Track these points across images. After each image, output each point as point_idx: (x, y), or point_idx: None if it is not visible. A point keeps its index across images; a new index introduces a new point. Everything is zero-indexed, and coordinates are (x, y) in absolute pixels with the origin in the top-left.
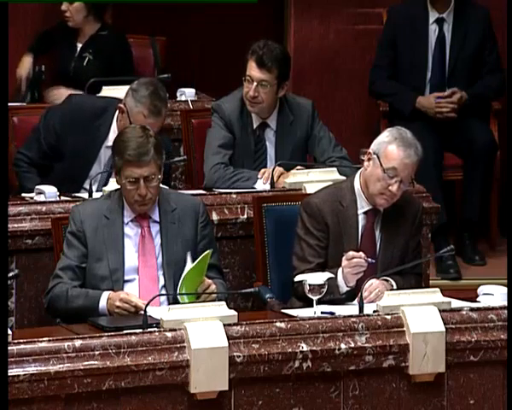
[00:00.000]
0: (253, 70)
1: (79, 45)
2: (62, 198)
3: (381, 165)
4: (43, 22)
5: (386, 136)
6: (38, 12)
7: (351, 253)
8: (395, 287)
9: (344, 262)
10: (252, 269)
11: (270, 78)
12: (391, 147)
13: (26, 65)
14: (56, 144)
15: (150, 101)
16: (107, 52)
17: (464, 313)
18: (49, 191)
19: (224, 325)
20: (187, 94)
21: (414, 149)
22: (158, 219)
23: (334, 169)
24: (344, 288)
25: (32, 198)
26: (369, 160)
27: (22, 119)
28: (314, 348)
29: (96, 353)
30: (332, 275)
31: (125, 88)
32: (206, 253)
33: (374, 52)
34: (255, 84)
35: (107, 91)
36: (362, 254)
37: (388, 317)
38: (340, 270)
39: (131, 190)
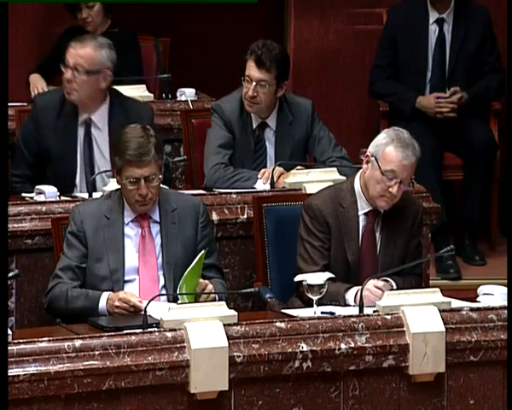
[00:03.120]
0: (251, 70)
1: None
2: (62, 198)
3: (380, 167)
4: (43, 22)
5: (383, 137)
6: (38, 12)
7: (380, 283)
8: (395, 287)
9: (370, 285)
10: (252, 269)
11: (269, 78)
12: (388, 149)
13: (38, 83)
14: (39, 150)
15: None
16: (119, 49)
17: (464, 313)
18: (49, 191)
19: (224, 325)
20: (187, 94)
21: (411, 149)
22: (158, 220)
23: (334, 169)
24: (351, 304)
25: (32, 198)
26: (367, 162)
27: None
28: (314, 348)
29: (96, 353)
30: (331, 275)
31: (130, 88)
32: (201, 253)
33: (374, 52)
34: (254, 84)
35: None
36: (387, 287)
37: (388, 317)
38: (354, 289)
39: (132, 190)
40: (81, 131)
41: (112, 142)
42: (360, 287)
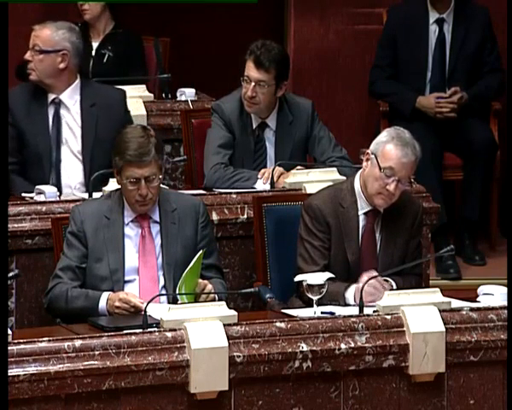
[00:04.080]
0: (250, 70)
1: (95, 45)
2: (62, 198)
3: (379, 164)
4: (43, 22)
5: (384, 136)
6: (38, 12)
7: (379, 279)
8: (395, 287)
9: (374, 280)
10: (252, 269)
11: (268, 78)
12: (388, 146)
13: None
14: (15, 133)
15: None
16: (124, 50)
17: (464, 313)
18: (49, 191)
19: (224, 325)
20: (187, 94)
21: (411, 148)
22: (158, 220)
23: (334, 169)
24: (351, 303)
25: (32, 198)
26: (367, 160)
27: None
28: (314, 348)
29: (96, 353)
30: (331, 275)
31: (134, 87)
32: (199, 253)
33: (374, 52)
34: (253, 84)
35: None
36: (385, 281)
37: (388, 317)
38: (353, 286)
39: (132, 191)
40: (51, 111)
41: (113, 142)
42: (359, 284)
